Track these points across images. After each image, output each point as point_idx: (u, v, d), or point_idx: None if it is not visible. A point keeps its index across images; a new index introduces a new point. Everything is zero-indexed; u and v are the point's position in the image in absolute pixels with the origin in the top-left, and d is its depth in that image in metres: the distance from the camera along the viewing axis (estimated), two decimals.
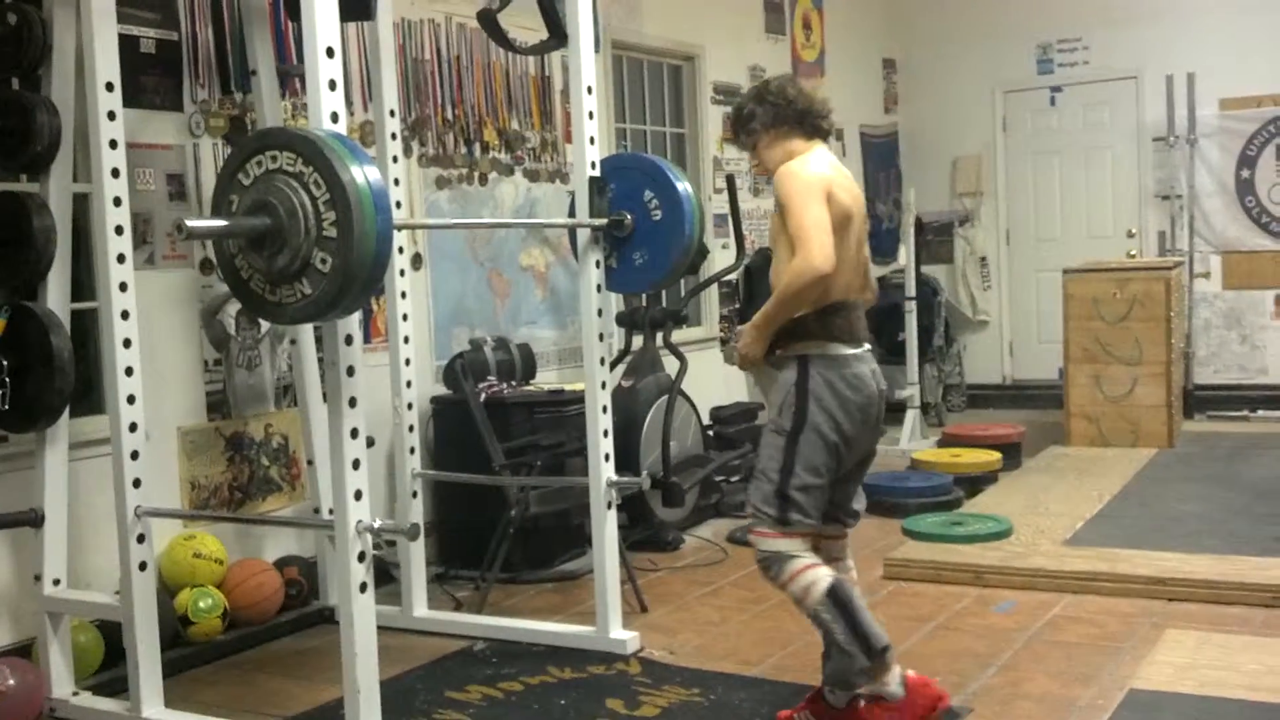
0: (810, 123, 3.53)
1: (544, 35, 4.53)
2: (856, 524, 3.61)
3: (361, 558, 3.27)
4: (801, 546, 3.35)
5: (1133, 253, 8.88)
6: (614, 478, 4.32)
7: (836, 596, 3.29)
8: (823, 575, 3.32)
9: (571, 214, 4.53)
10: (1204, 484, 6.43)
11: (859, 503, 3.61)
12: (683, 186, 4.35)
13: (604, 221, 4.31)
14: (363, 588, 3.27)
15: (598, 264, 4.32)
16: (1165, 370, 7.43)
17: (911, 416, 8.27)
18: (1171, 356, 7.51)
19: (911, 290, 8.33)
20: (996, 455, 6.88)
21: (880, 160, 9.94)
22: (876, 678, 3.35)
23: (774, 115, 3.53)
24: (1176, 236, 9.14)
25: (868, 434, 3.45)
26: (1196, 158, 9.03)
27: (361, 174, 2.99)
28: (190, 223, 3.06)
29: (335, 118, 3.18)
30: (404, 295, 4.68)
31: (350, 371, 3.25)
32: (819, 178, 3.38)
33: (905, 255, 8.43)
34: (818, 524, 3.38)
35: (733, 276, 7.75)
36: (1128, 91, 9.35)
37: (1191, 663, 3.92)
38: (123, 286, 3.72)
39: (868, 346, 3.47)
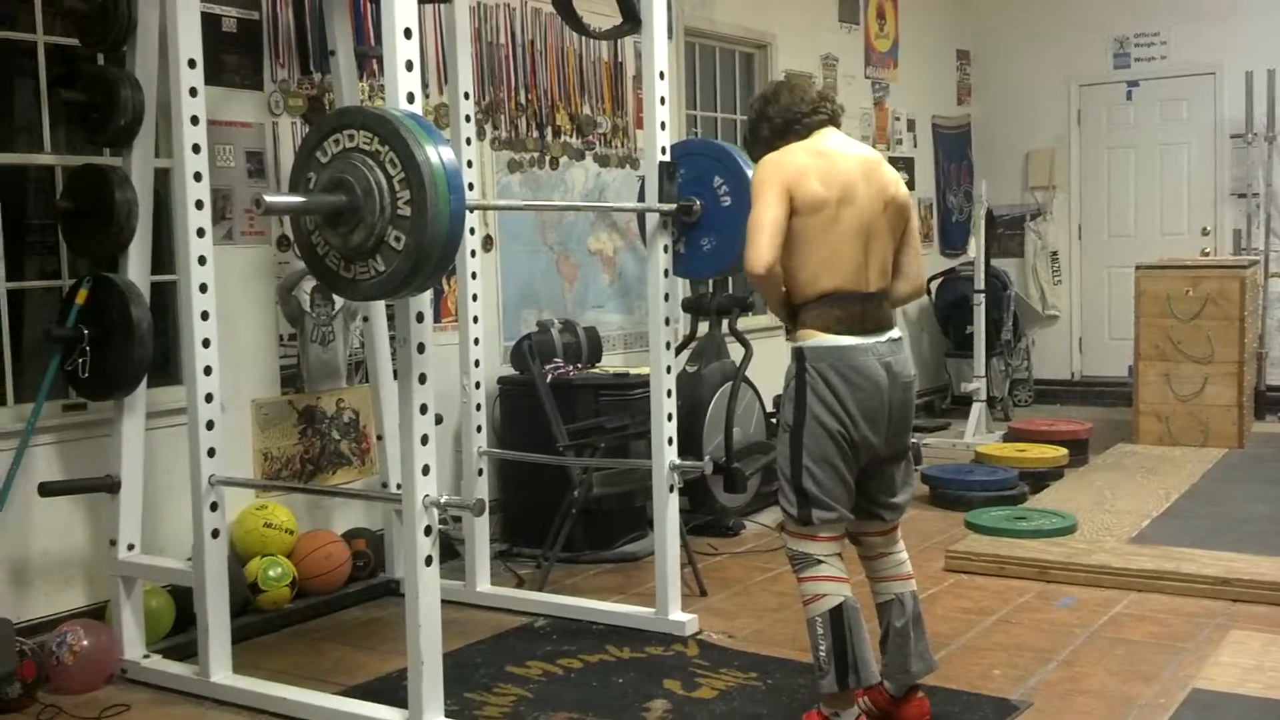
0: (798, 127, 3.44)
1: (618, 20, 4.55)
2: (898, 517, 3.51)
3: (428, 531, 3.32)
4: (828, 550, 3.31)
5: (1207, 251, 8.75)
6: (676, 461, 4.34)
7: (836, 619, 3.26)
8: (833, 592, 3.28)
9: (641, 199, 4.55)
10: (1273, 485, 6.34)
11: (902, 496, 3.49)
12: (752, 173, 4.35)
13: (673, 206, 4.32)
14: (428, 561, 3.33)
15: (666, 249, 4.34)
16: (1237, 370, 7.33)
17: (978, 410, 8.21)
18: (1244, 356, 7.40)
19: (980, 283, 8.26)
20: (1063, 451, 6.82)
21: (952, 152, 9.87)
22: (837, 707, 3.31)
23: (765, 138, 3.50)
24: (1252, 235, 9.00)
25: (882, 426, 3.32)
26: (1275, 156, 8.88)
27: (436, 154, 3.03)
28: (269, 198, 3.12)
29: (411, 98, 3.22)
30: (474, 276, 4.74)
31: (421, 348, 3.30)
32: (779, 173, 3.31)
33: (975, 248, 8.36)
34: (842, 516, 3.33)
35: None
36: (1206, 87, 9.21)
37: (1258, 665, 3.87)
38: (201, 260, 3.80)
39: (889, 336, 3.35)
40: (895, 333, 3.39)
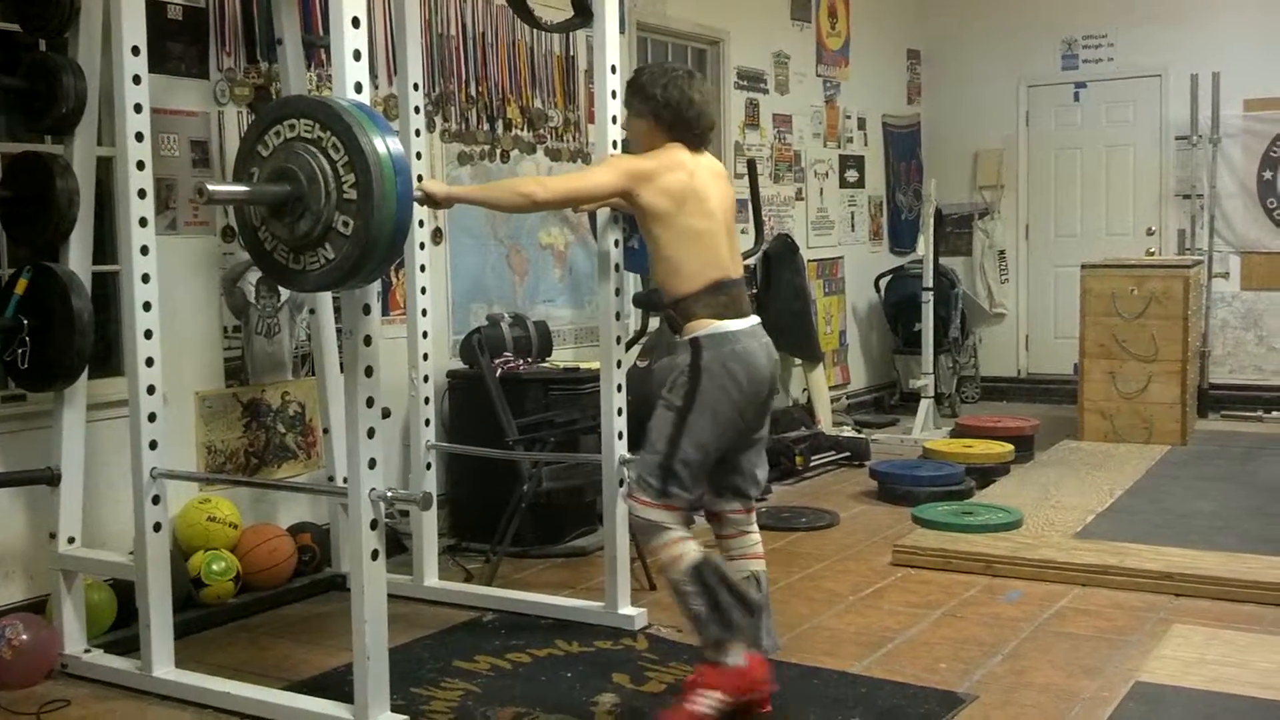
0: (683, 136, 3.60)
1: (570, 14, 4.53)
2: (759, 494, 3.71)
3: (374, 525, 3.29)
4: (675, 519, 3.44)
5: (1152, 250, 8.86)
6: (627, 456, 4.33)
7: (701, 572, 3.37)
8: (690, 550, 3.40)
9: None
10: (1216, 482, 6.43)
11: (763, 473, 3.67)
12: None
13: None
14: (374, 555, 3.30)
15: (616, 244, 4.33)
16: (1181, 368, 7.42)
17: (925, 406, 8.27)
18: (1187, 355, 7.50)
19: (929, 281, 8.32)
20: (1009, 447, 6.88)
21: (902, 151, 9.93)
22: (723, 650, 3.40)
23: (650, 116, 3.62)
24: (1196, 236, 9.11)
25: (759, 408, 3.52)
26: (1219, 158, 8.99)
27: (380, 138, 3.02)
28: (212, 187, 3.10)
29: (359, 88, 3.19)
30: (423, 269, 4.70)
31: (367, 341, 3.28)
32: (651, 165, 3.53)
33: (924, 246, 8.42)
34: (694, 499, 3.49)
35: (751, 261, 7.75)
36: (1152, 89, 9.32)
37: (1199, 658, 3.92)
38: (144, 250, 3.74)
39: (756, 320, 3.55)
40: (757, 317, 3.59)
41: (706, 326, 3.44)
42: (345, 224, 3.03)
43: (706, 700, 3.37)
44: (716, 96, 7.69)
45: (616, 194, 3.61)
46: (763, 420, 3.58)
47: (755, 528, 3.68)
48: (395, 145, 3.04)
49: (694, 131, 3.60)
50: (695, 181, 3.53)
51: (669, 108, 3.57)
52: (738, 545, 3.63)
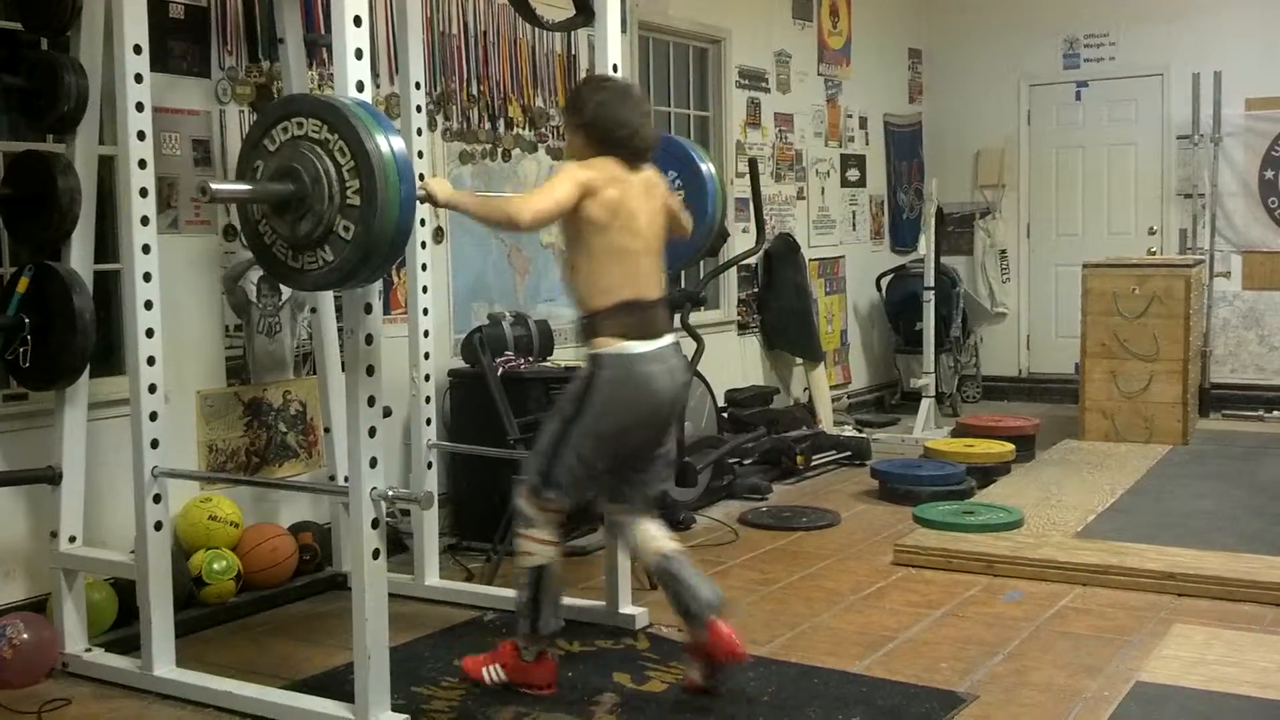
0: (615, 151, 3.60)
1: (571, 12, 4.53)
2: (655, 511, 3.82)
3: (375, 524, 3.30)
4: (544, 519, 3.62)
5: (1153, 250, 8.85)
6: None
7: (537, 576, 3.62)
8: (543, 553, 3.62)
9: None
10: (1217, 482, 6.43)
11: (660, 486, 3.86)
12: (707, 168, 4.35)
13: None
14: (375, 554, 3.30)
15: None
16: (1182, 368, 7.42)
17: (926, 406, 8.27)
18: (1189, 354, 7.49)
19: (930, 280, 8.32)
20: (1010, 447, 6.88)
21: (903, 150, 9.92)
22: (528, 644, 3.68)
23: (585, 130, 3.63)
24: (1198, 235, 9.10)
25: (654, 430, 3.67)
26: (1220, 157, 8.98)
27: (386, 143, 3.01)
28: (214, 185, 3.09)
29: (361, 87, 3.19)
30: (425, 268, 4.71)
31: (369, 340, 3.28)
32: (589, 173, 3.53)
33: (925, 245, 8.41)
34: (570, 505, 3.65)
35: (752, 260, 7.77)
36: (1153, 88, 9.31)
37: (1200, 658, 3.92)
38: (145, 249, 3.74)
39: (668, 340, 3.63)
40: (674, 337, 3.68)
41: (609, 346, 3.54)
42: (346, 228, 3.02)
43: (493, 673, 3.71)
44: (719, 96, 7.70)
45: (575, 205, 3.59)
46: (660, 440, 3.74)
47: (656, 524, 3.79)
48: (401, 150, 3.03)
49: (627, 150, 3.61)
50: (627, 198, 3.56)
51: (598, 127, 3.60)
52: (634, 537, 3.75)
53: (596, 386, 3.53)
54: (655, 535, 3.73)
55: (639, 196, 3.60)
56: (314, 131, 3.07)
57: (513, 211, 3.44)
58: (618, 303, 3.54)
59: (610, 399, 3.53)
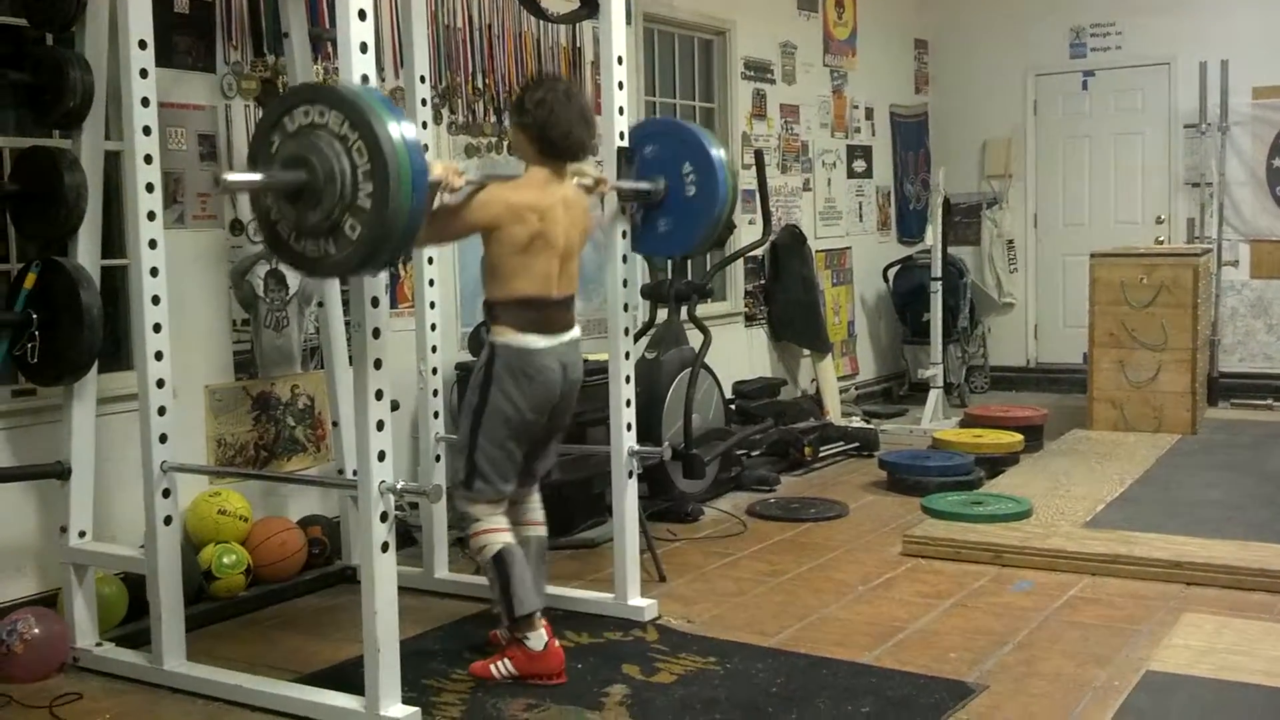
0: (547, 144, 3.73)
1: (576, 5, 4.53)
2: (535, 483, 4.02)
3: (384, 517, 3.30)
4: (483, 510, 3.76)
5: (1161, 239, 8.83)
6: (635, 447, 4.34)
7: (500, 561, 3.72)
8: (495, 541, 3.74)
9: None
10: (1226, 471, 6.41)
11: (548, 463, 4.03)
12: (717, 153, 4.28)
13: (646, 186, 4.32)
14: (384, 547, 3.31)
15: (624, 235, 4.33)
16: (1190, 357, 7.40)
17: (934, 396, 8.26)
18: (1197, 343, 7.47)
19: (937, 271, 8.31)
20: (1018, 437, 6.87)
21: (909, 140, 9.91)
22: (517, 632, 3.74)
23: (523, 125, 3.77)
24: (1205, 224, 9.08)
25: (551, 416, 3.84)
26: (1228, 145, 8.96)
27: (405, 150, 2.97)
28: (227, 176, 3.10)
29: (366, 80, 3.19)
30: (431, 261, 4.70)
31: (376, 334, 3.28)
32: (510, 199, 3.67)
33: (932, 236, 8.40)
34: (505, 490, 3.79)
35: (759, 252, 7.77)
36: (1160, 77, 9.29)
37: (1209, 647, 3.91)
38: (152, 244, 3.75)
39: (570, 336, 3.81)
40: (575, 334, 3.86)
41: (505, 336, 3.70)
42: (353, 228, 3.01)
43: (502, 668, 3.75)
44: (724, 88, 7.69)
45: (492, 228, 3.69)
46: (557, 422, 3.89)
47: (536, 498, 4.02)
48: (419, 161, 3.01)
49: (558, 150, 3.73)
50: (544, 225, 3.69)
51: (537, 126, 3.71)
52: (517, 513, 3.92)
53: (495, 375, 3.69)
54: (533, 511, 4.00)
55: (558, 219, 3.74)
56: (336, 126, 3.01)
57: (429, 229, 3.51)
58: (517, 298, 3.69)
59: (506, 388, 3.68)
